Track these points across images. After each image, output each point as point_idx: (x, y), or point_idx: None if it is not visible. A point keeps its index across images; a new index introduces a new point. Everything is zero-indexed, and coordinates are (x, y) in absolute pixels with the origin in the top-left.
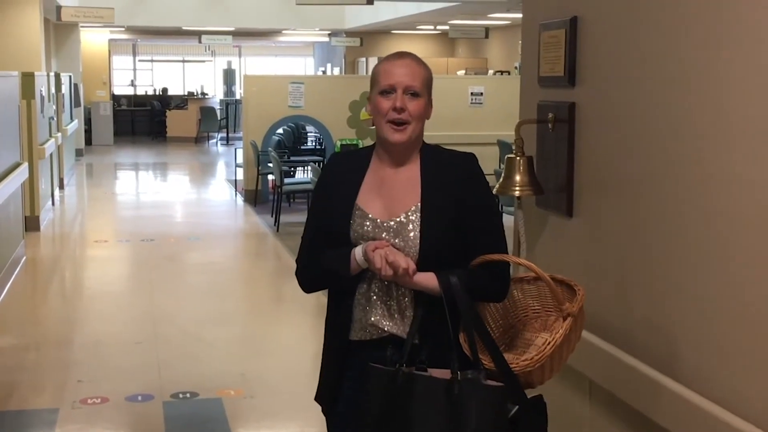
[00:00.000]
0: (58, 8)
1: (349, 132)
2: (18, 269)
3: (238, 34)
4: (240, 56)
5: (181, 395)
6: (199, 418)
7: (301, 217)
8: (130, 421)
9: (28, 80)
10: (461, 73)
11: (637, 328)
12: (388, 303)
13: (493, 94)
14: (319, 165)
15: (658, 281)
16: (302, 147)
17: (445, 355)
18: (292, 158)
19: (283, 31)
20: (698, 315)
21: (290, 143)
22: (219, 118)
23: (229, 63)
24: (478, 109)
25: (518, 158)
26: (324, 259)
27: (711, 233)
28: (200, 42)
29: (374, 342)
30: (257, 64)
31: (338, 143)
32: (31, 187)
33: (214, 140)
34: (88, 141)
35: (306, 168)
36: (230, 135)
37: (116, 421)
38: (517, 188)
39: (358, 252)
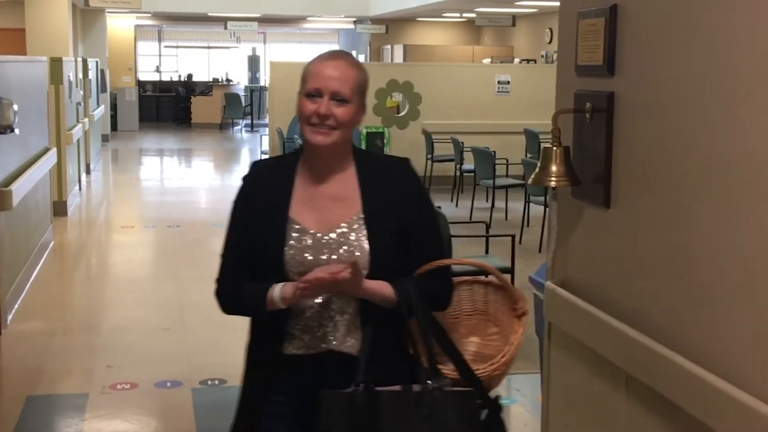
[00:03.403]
0: None
1: (374, 119)
2: (46, 254)
3: (264, 20)
4: (265, 43)
5: (209, 382)
6: (227, 405)
7: None
8: (160, 407)
9: (56, 66)
10: (487, 61)
11: (676, 323)
12: (332, 318)
13: (519, 83)
14: None
15: (700, 275)
16: None
17: (393, 371)
18: None
19: (308, 18)
20: (744, 310)
21: None
22: (243, 105)
23: (254, 49)
24: (505, 97)
25: (555, 148)
26: (243, 291)
27: (758, 226)
28: (226, 28)
29: (312, 357)
30: (282, 50)
31: (364, 131)
32: (59, 172)
33: (239, 127)
34: (114, 126)
35: None
36: (254, 122)
37: (146, 407)
38: (553, 179)
39: (276, 294)
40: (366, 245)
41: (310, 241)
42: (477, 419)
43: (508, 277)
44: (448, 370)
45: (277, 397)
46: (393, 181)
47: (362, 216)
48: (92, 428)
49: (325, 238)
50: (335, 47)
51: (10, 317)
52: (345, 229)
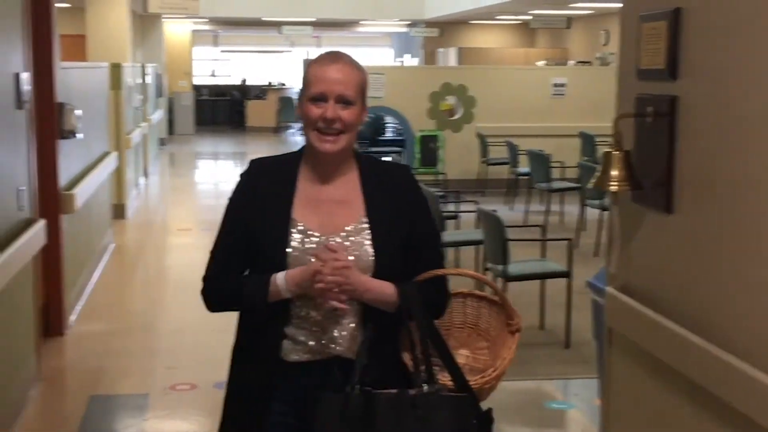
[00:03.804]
0: (145, 0)
1: (429, 123)
2: (106, 256)
3: (318, 24)
4: (319, 47)
5: None
6: None
7: None
8: (219, 407)
9: (116, 71)
10: (541, 63)
11: (739, 329)
12: (336, 322)
13: (575, 85)
14: (400, 156)
15: (764, 281)
16: (381, 138)
17: (389, 375)
18: (371, 149)
19: (362, 22)
20: None
21: (370, 134)
22: (296, 108)
23: (308, 53)
24: (560, 100)
25: (615, 153)
26: (241, 284)
27: None
28: (280, 33)
29: (317, 363)
30: None
31: (418, 134)
32: (118, 175)
33: (293, 130)
34: (171, 130)
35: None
36: None
37: (205, 408)
38: (614, 183)
39: (281, 281)
40: (370, 249)
41: (314, 244)
42: (470, 423)
43: (564, 281)
44: (444, 378)
45: (278, 404)
46: (394, 187)
47: (366, 220)
48: (153, 428)
49: (331, 240)
50: (389, 51)
51: (73, 318)
52: (351, 232)
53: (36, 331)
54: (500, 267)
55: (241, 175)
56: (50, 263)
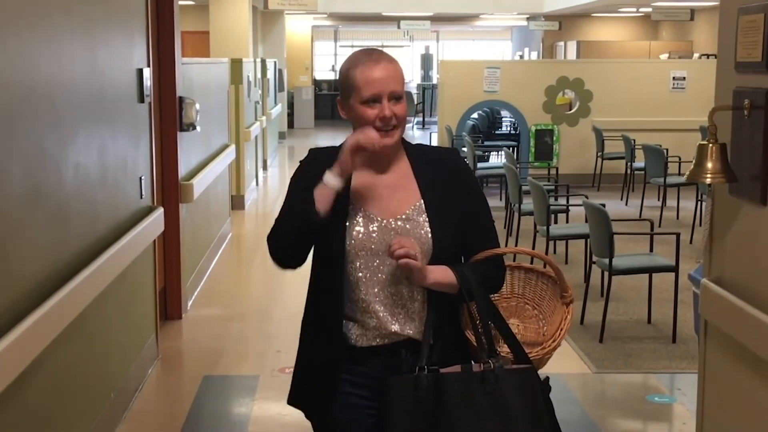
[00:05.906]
0: None
1: (544, 117)
2: (224, 245)
3: (437, 19)
4: (438, 41)
5: None
6: None
7: (494, 202)
8: None
9: (236, 66)
10: (664, 56)
11: None
12: (402, 306)
13: (696, 79)
14: (513, 150)
15: None
16: (496, 132)
17: (452, 353)
18: (486, 143)
19: (481, 16)
20: None
21: (485, 128)
22: (416, 103)
23: (427, 48)
24: (680, 94)
25: (710, 145)
26: (290, 217)
27: None
28: (399, 27)
29: (387, 347)
30: (455, 48)
31: (533, 128)
32: (237, 167)
33: (410, 124)
34: (290, 124)
35: (500, 153)
36: (426, 119)
37: None
38: (709, 175)
39: (328, 177)
40: (429, 232)
41: (376, 227)
42: (536, 394)
43: (672, 276)
44: (503, 352)
45: (349, 386)
46: (446, 171)
47: (422, 204)
48: (261, 408)
49: (393, 224)
50: (508, 44)
51: (190, 303)
52: (410, 216)
53: (156, 312)
54: (605, 260)
55: (301, 162)
56: (169, 249)
